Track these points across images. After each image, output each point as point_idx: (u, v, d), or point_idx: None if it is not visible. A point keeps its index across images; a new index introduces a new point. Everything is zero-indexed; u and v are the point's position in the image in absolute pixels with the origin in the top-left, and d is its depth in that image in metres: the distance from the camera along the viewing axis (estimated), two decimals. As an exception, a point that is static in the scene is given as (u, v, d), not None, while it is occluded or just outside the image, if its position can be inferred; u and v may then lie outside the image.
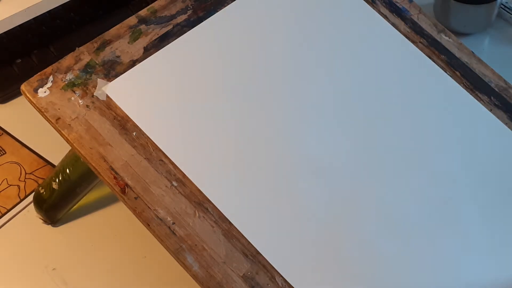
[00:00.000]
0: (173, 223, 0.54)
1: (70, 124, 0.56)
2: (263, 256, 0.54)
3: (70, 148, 0.60)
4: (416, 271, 0.57)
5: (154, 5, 0.64)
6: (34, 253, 0.70)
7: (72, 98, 0.57)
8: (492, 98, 0.69)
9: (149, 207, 0.54)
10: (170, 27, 0.63)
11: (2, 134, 0.82)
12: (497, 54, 0.88)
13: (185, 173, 0.56)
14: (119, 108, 0.57)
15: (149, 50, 0.61)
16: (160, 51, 0.61)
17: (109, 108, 0.57)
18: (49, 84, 0.57)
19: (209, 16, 0.65)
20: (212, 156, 0.58)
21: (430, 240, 0.58)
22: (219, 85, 0.61)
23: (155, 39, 0.62)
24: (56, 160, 0.76)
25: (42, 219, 0.72)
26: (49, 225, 0.72)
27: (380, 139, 0.63)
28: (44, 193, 0.69)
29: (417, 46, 0.70)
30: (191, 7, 0.65)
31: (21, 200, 0.75)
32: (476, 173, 0.63)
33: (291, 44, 0.66)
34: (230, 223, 0.55)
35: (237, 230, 0.55)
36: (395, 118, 0.64)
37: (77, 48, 0.60)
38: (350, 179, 0.60)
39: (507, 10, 0.91)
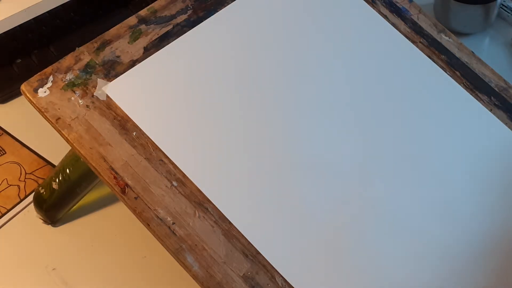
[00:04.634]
0: (173, 223, 0.54)
1: (70, 124, 0.56)
2: (263, 256, 0.54)
3: (70, 148, 0.60)
4: (417, 271, 0.57)
5: (154, 5, 0.64)
6: (34, 253, 0.70)
7: (72, 98, 0.57)
8: (492, 98, 0.69)
9: (149, 207, 0.54)
10: (170, 27, 0.63)
11: (2, 134, 0.82)
12: (497, 54, 0.88)
13: (185, 173, 0.56)
14: (119, 108, 0.57)
15: (149, 50, 0.61)
16: (160, 51, 0.61)
17: (109, 108, 0.57)
18: (49, 84, 0.57)
19: (209, 16, 0.65)
20: (212, 156, 0.58)
21: (431, 241, 0.58)
22: (220, 85, 0.61)
23: (155, 39, 0.62)
24: (56, 160, 0.77)
25: (42, 219, 0.72)
26: (49, 225, 0.72)
27: (380, 140, 0.63)
28: (44, 193, 0.69)
29: (417, 46, 0.70)
30: (191, 7, 0.65)
31: (21, 200, 0.75)
32: (477, 173, 0.63)
33: (292, 44, 0.66)
34: (230, 223, 0.55)
35: (237, 230, 0.55)
36: (395, 118, 0.64)
37: (77, 48, 0.60)
38: (351, 179, 0.60)
39: (507, 10, 0.91)
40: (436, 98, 0.67)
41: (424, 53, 0.69)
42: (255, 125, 0.60)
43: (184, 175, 0.56)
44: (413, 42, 0.70)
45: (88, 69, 0.59)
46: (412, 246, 0.58)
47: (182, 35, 0.63)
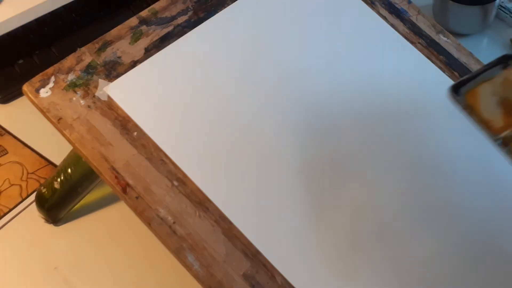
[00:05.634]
0: (174, 223, 0.54)
1: (71, 124, 0.56)
2: (263, 255, 0.55)
3: (72, 148, 0.61)
4: (416, 271, 0.57)
5: (155, 6, 0.64)
6: (36, 253, 0.70)
7: (74, 99, 0.57)
8: (490, 98, 0.69)
9: (150, 207, 0.54)
10: (171, 27, 0.63)
11: (4, 134, 0.83)
12: (495, 55, 0.88)
13: (186, 173, 0.56)
14: (120, 108, 0.58)
15: (150, 51, 0.62)
16: (161, 51, 0.62)
17: (110, 108, 0.58)
18: (50, 85, 0.58)
19: (210, 17, 0.65)
20: (212, 156, 0.58)
21: (432, 241, 0.59)
22: (220, 86, 0.62)
23: (156, 40, 0.62)
24: (57, 160, 0.77)
25: (44, 219, 0.72)
26: (51, 225, 0.72)
27: (380, 139, 0.63)
28: (46, 192, 0.69)
29: (416, 47, 0.70)
30: (191, 8, 0.65)
31: (23, 200, 0.75)
32: (476, 172, 0.63)
33: (291, 45, 0.66)
34: (230, 222, 0.55)
35: (238, 229, 0.55)
36: (394, 119, 0.65)
37: (78, 49, 0.60)
38: (350, 180, 0.60)
39: (505, 11, 0.92)
40: (435, 99, 0.67)
41: (423, 54, 0.70)
42: (256, 125, 0.60)
43: (184, 175, 0.56)
44: (412, 42, 0.70)
45: (90, 69, 0.59)
46: (413, 247, 0.58)
47: (182, 35, 0.63)
